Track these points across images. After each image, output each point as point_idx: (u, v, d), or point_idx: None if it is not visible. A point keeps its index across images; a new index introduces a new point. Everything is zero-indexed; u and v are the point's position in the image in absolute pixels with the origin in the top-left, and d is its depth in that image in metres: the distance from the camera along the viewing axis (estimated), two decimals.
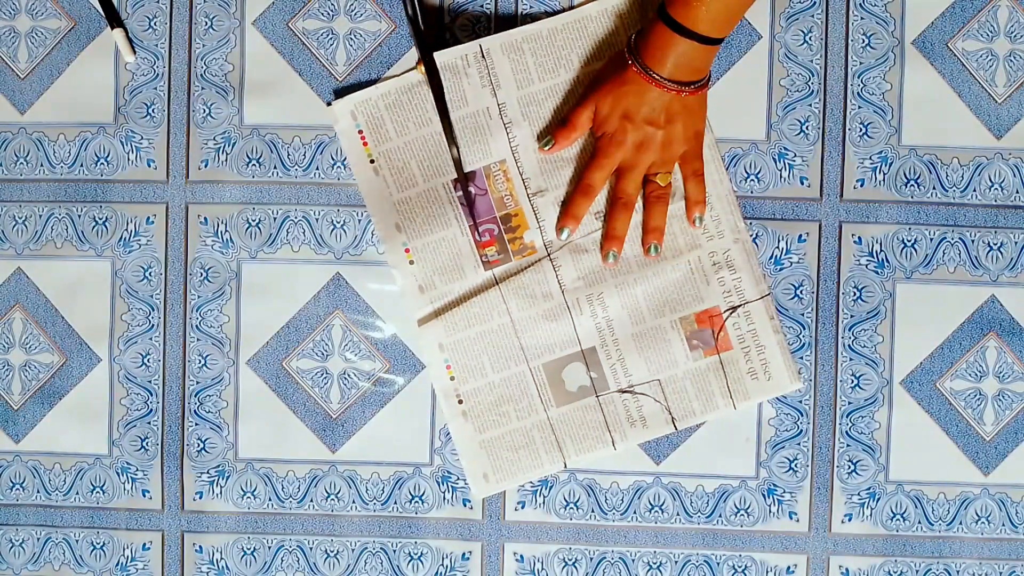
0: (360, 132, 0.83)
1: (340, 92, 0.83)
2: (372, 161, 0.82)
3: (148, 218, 0.84)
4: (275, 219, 0.84)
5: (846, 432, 0.83)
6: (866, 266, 0.83)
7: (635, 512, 0.84)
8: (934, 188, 0.83)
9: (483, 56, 0.81)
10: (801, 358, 0.83)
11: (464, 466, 0.83)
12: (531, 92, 0.81)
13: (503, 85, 0.81)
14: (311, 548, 0.85)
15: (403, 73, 0.83)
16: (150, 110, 0.84)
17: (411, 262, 0.82)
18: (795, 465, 0.83)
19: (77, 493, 0.85)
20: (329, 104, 0.83)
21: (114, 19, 0.84)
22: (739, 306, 0.81)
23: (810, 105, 0.83)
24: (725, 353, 0.81)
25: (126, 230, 0.85)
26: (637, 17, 0.81)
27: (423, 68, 0.80)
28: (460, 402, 0.82)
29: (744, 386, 0.81)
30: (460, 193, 0.81)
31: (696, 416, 0.82)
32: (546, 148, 0.80)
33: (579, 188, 0.79)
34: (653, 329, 0.81)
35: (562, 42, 0.81)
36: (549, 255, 0.81)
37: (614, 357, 0.81)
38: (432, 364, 0.82)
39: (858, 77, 0.82)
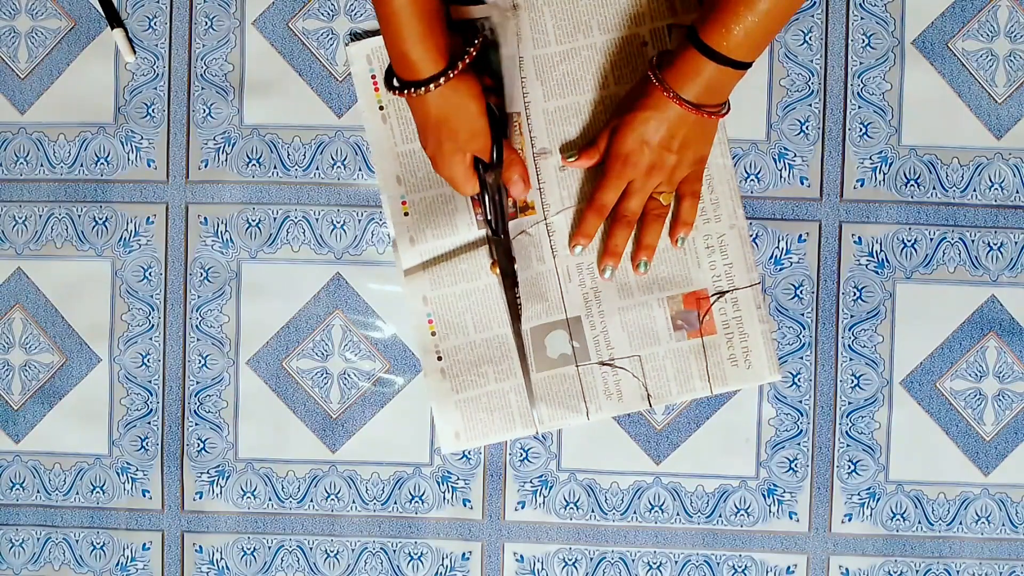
0: (373, 77, 0.83)
1: (358, 36, 0.83)
2: (381, 108, 0.83)
3: (148, 218, 0.84)
4: (275, 219, 0.84)
5: (846, 432, 0.83)
6: (866, 266, 0.83)
7: (635, 512, 0.84)
8: (934, 188, 0.83)
9: (514, 7, 0.81)
10: (801, 358, 0.83)
11: (436, 422, 0.83)
12: (547, 53, 0.81)
13: (523, 39, 0.81)
14: (311, 548, 0.85)
15: None
16: (150, 110, 0.84)
17: (406, 214, 0.82)
18: (795, 465, 0.83)
19: (77, 493, 0.85)
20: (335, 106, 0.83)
21: (114, 19, 0.84)
22: (727, 292, 0.81)
23: (810, 105, 0.83)
24: (708, 337, 0.81)
25: (126, 230, 0.85)
26: None
27: (497, 270, 0.81)
28: (439, 358, 0.82)
29: (723, 371, 0.81)
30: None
31: (672, 396, 0.82)
32: (570, 160, 0.81)
33: (592, 207, 0.79)
34: (640, 305, 0.82)
35: (584, 7, 0.81)
36: (546, 218, 0.82)
37: (598, 328, 0.82)
38: (414, 315, 0.82)
39: (858, 77, 0.82)
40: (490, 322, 0.82)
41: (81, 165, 0.85)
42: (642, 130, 0.76)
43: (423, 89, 0.71)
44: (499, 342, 0.82)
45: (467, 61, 0.72)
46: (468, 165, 0.76)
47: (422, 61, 0.71)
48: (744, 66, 0.73)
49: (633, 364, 0.82)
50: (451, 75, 0.71)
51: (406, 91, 0.72)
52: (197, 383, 0.85)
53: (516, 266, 0.81)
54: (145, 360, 0.85)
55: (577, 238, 0.80)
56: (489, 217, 0.79)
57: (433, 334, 0.82)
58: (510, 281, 0.81)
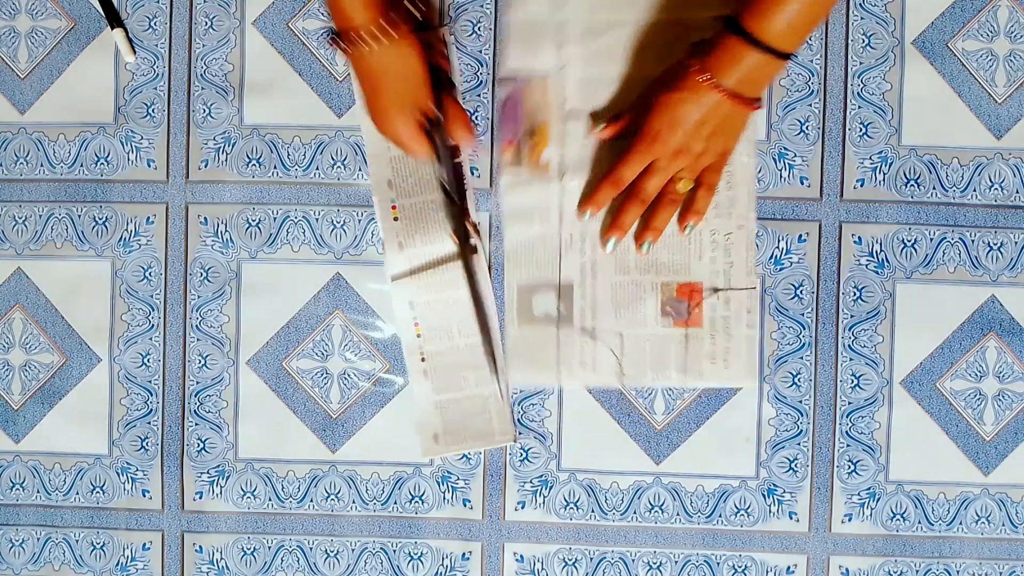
0: None
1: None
2: None
3: (148, 218, 0.84)
4: (275, 219, 0.84)
5: (846, 432, 0.83)
6: (866, 266, 0.83)
7: (635, 512, 0.84)
8: (934, 188, 0.83)
9: None
10: (801, 358, 0.83)
11: (416, 424, 0.83)
12: (597, 20, 0.81)
13: (570, 3, 0.81)
14: (311, 548, 0.85)
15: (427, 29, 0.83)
16: (150, 110, 0.84)
17: (395, 218, 0.82)
18: (795, 465, 0.83)
19: (77, 493, 0.85)
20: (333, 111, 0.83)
21: (114, 19, 0.84)
22: (722, 289, 0.81)
23: (810, 105, 0.83)
24: (693, 329, 0.82)
25: (126, 230, 0.84)
26: None
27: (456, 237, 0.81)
28: (423, 360, 0.82)
29: (700, 367, 0.82)
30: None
31: (645, 380, 0.82)
32: (598, 130, 0.80)
33: (609, 179, 0.79)
34: (633, 284, 0.82)
35: None
36: (560, 180, 0.81)
37: (587, 298, 0.82)
38: (401, 319, 0.83)
39: (858, 77, 0.82)
40: (474, 328, 0.82)
41: (81, 165, 0.85)
42: (676, 111, 0.75)
43: (360, 41, 0.71)
44: (482, 348, 0.82)
45: (404, 20, 0.72)
46: (414, 125, 0.76)
47: (351, 6, 0.70)
48: (785, 56, 0.72)
49: (613, 340, 0.82)
50: (383, 24, 0.71)
51: (343, 44, 0.72)
52: (197, 383, 0.85)
53: (474, 232, 0.81)
54: (145, 360, 0.85)
55: (587, 205, 0.80)
56: (442, 179, 0.79)
57: (418, 336, 0.83)
58: (469, 248, 0.80)
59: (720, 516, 0.83)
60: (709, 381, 0.82)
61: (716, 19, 0.74)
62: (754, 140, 0.81)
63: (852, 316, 0.83)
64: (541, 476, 0.84)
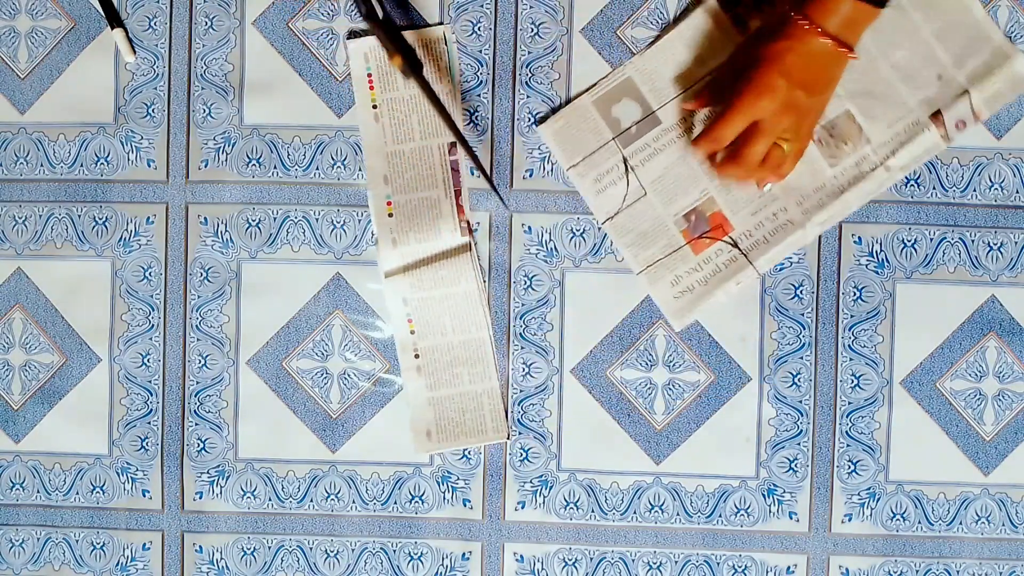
0: (369, 75, 0.83)
1: (356, 34, 0.83)
2: (375, 107, 0.83)
3: (148, 218, 0.84)
4: (275, 219, 0.84)
5: (846, 432, 0.83)
6: (866, 266, 0.83)
7: (635, 512, 0.84)
8: (934, 188, 0.82)
9: None
10: (801, 358, 0.83)
11: (410, 420, 0.83)
12: None
13: None
14: (311, 548, 0.85)
15: (425, 26, 0.83)
16: (150, 110, 0.84)
17: (390, 215, 0.83)
18: (795, 465, 0.83)
19: (77, 493, 0.85)
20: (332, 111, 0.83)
21: (114, 19, 0.84)
22: (738, 247, 0.81)
23: None
24: (688, 248, 0.82)
25: (126, 230, 0.85)
26: None
27: (399, 63, 0.78)
28: (416, 356, 0.82)
29: (659, 277, 0.82)
30: (453, 158, 0.82)
31: (620, 242, 0.82)
32: (690, 102, 0.80)
33: (708, 135, 0.77)
34: (687, 178, 0.82)
35: None
36: (742, 33, 0.81)
37: (657, 143, 0.82)
38: (394, 315, 0.83)
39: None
40: (468, 325, 0.82)
41: (81, 165, 0.85)
42: (784, 60, 0.73)
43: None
44: (476, 345, 0.82)
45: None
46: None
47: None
48: (881, 3, 0.72)
49: (637, 191, 0.82)
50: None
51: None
52: (197, 383, 0.85)
53: (467, 231, 0.82)
54: (145, 360, 0.85)
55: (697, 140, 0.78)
56: (363, 11, 0.77)
57: (412, 332, 0.83)
58: (420, 80, 0.78)
59: (720, 516, 0.83)
60: (653, 292, 0.82)
61: None
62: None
63: (852, 316, 0.83)
64: (541, 476, 0.84)
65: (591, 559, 0.84)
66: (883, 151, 0.81)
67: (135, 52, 0.84)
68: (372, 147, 0.83)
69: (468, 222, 0.83)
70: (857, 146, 0.81)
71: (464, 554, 0.84)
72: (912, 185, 0.82)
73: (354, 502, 0.84)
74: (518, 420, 0.84)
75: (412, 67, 0.76)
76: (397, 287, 0.82)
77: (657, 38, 0.82)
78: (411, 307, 0.83)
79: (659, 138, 0.82)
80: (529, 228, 0.83)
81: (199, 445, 0.85)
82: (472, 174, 0.83)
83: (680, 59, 0.82)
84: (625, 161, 0.82)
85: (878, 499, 0.83)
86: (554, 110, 0.83)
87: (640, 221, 0.82)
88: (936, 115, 0.80)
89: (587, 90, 0.82)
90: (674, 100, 0.82)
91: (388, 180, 0.83)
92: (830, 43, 0.72)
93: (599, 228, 0.83)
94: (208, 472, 0.85)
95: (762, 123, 0.75)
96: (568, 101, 0.83)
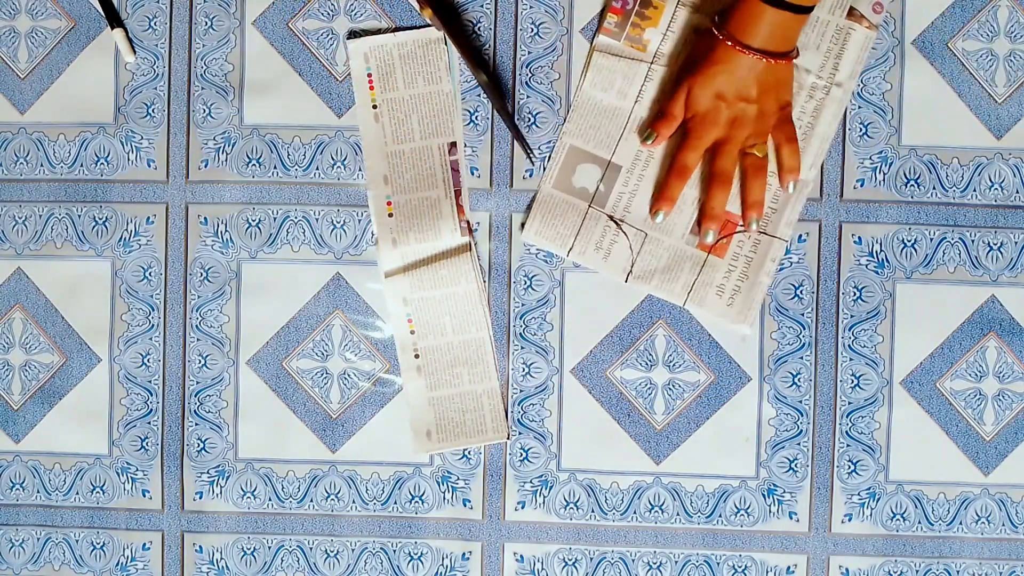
0: (369, 75, 0.83)
1: (356, 34, 0.83)
2: (375, 107, 0.83)
3: (148, 218, 0.84)
4: (275, 219, 0.84)
5: (846, 432, 0.83)
6: (866, 266, 0.83)
7: (635, 512, 0.84)
8: (934, 188, 0.83)
9: None
10: (801, 358, 0.83)
11: (410, 420, 0.83)
12: None
13: None
14: (311, 548, 0.85)
15: (425, 27, 0.83)
16: (150, 110, 0.84)
17: (390, 215, 0.83)
18: (795, 465, 0.83)
19: (77, 493, 0.85)
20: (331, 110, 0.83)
21: (114, 19, 0.84)
22: (756, 231, 0.81)
23: None
24: (713, 256, 0.82)
25: (126, 230, 0.85)
26: None
27: (429, 12, 0.78)
28: (416, 356, 0.82)
29: (704, 294, 0.82)
30: (453, 158, 0.82)
31: (648, 285, 0.82)
32: (648, 142, 0.80)
33: (673, 169, 0.78)
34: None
35: None
36: (651, 64, 0.81)
37: (629, 188, 0.82)
38: (394, 315, 0.83)
39: (858, 77, 0.82)
40: (468, 325, 0.82)
41: (81, 165, 0.85)
42: (713, 84, 0.75)
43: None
44: (476, 345, 0.82)
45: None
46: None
47: None
48: (804, 10, 0.72)
49: (636, 238, 0.82)
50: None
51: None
52: (197, 383, 0.85)
53: (467, 231, 0.82)
54: (145, 360, 0.85)
55: (659, 202, 0.80)
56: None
57: (412, 332, 0.83)
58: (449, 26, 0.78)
59: (720, 516, 0.83)
60: (709, 311, 0.82)
61: None
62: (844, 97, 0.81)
63: (852, 316, 0.83)
64: (541, 476, 0.84)
65: (591, 559, 0.84)
66: (826, 71, 0.81)
67: (135, 52, 0.84)
68: (372, 147, 0.83)
69: (468, 222, 0.83)
70: (801, 81, 0.81)
71: (464, 554, 0.84)
72: (912, 185, 0.82)
73: (354, 502, 0.84)
74: (518, 420, 0.84)
75: (443, 18, 0.77)
76: (397, 287, 0.82)
77: (573, 97, 0.82)
78: (411, 307, 0.83)
79: (628, 181, 0.82)
80: None
81: (199, 445, 0.85)
82: (472, 173, 0.83)
83: (603, 104, 0.82)
84: (611, 218, 0.82)
85: (878, 499, 0.83)
86: (528, 207, 0.82)
87: (657, 260, 0.82)
88: (851, 13, 0.80)
89: (542, 179, 0.82)
90: (621, 141, 0.82)
91: (388, 180, 0.83)
92: (759, 57, 0.73)
93: (626, 284, 0.82)
94: (208, 472, 0.85)
95: (720, 143, 0.77)
96: (534, 198, 0.82)
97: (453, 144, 0.83)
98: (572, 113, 0.82)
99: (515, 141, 0.82)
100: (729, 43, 0.74)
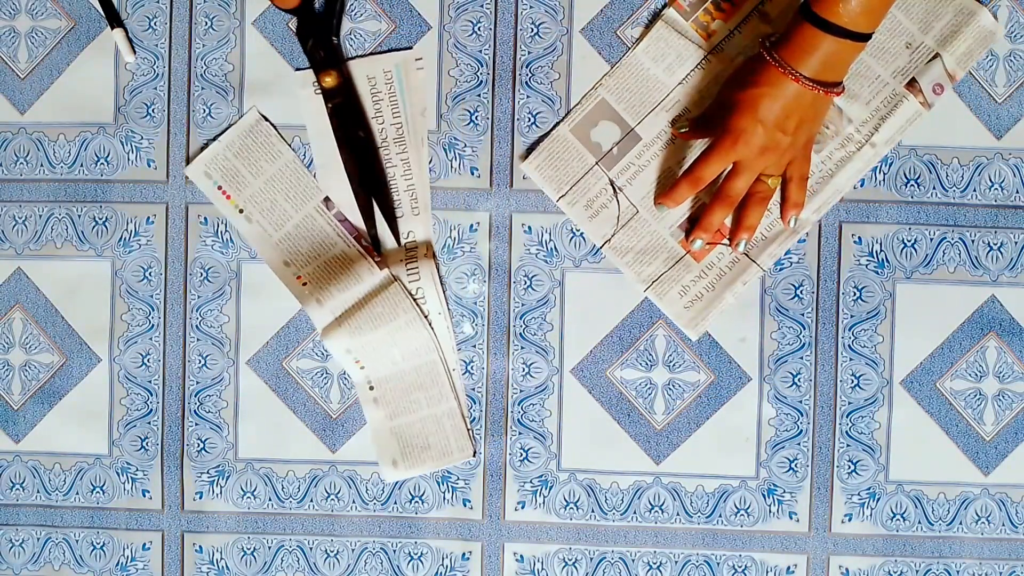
0: (220, 188, 0.83)
1: (191, 159, 0.83)
2: (241, 211, 0.83)
3: (148, 218, 0.84)
4: None
5: (846, 432, 0.83)
6: (866, 266, 0.83)
7: (635, 512, 0.84)
8: (934, 188, 0.83)
9: None
10: (801, 358, 0.83)
11: (375, 451, 0.83)
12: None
13: None
14: (311, 548, 0.85)
15: (239, 120, 0.83)
16: (150, 110, 0.84)
17: (304, 284, 0.82)
18: (795, 465, 0.83)
19: (77, 493, 0.85)
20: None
21: (114, 19, 0.84)
22: (739, 252, 0.81)
23: None
24: (690, 257, 0.82)
25: (126, 230, 0.85)
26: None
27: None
28: (371, 388, 0.82)
29: (667, 290, 0.82)
30: (335, 211, 0.82)
31: (620, 260, 0.82)
32: (682, 131, 0.80)
33: (689, 176, 0.77)
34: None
35: None
36: (708, 54, 0.81)
37: (640, 161, 0.82)
38: (343, 364, 0.83)
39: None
40: (417, 350, 0.82)
41: (81, 165, 0.85)
42: (758, 107, 0.73)
43: None
44: (428, 368, 0.82)
45: None
46: None
47: None
48: (863, 37, 0.71)
49: (627, 211, 0.82)
50: None
51: None
52: (197, 383, 0.85)
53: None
54: (145, 360, 0.85)
55: (664, 199, 0.79)
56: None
57: (362, 368, 0.82)
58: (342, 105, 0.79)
59: (720, 516, 0.83)
60: (664, 307, 0.82)
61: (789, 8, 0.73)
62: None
63: (852, 316, 0.83)
64: (541, 476, 0.84)
65: (591, 559, 0.84)
66: (866, 128, 0.81)
67: (135, 52, 0.84)
68: (261, 245, 0.83)
69: (383, 257, 0.82)
70: (839, 128, 0.81)
71: (464, 554, 0.84)
72: (912, 185, 0.82)
73: (354, 502, 0.84)
74: (518, 420, 0.84)
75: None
76: (338, 340, 0.81)
77: (623, 55, 0.82)
78: (356, 352, 0.82)
79: (641, 155, 0.82)
80: (529, 228, 0.83)
81: (199, 445, 0.85)
82: (472, 173, 0.83)
83: (649, 73, 0.82)
84: (612, 183, 0.82)
85: (878, 499, 0.83)
86: (535, 144, 0.82)
87: (637, 239, 0.82)
88: (911, 84, 0.80)
89: (563, 119, 0.82)
90: (651, 115, 0.82)
91: (289, 262, 0.82)
92: (810, 87, 0.72)
93: (598, 251, 0.82)
94: (208, 472, 0.85)
95: (741, 162, 0.76)
96: (548, 133, 0.82)
97: (326, 199, 0.82)
98: (616, 69, 0.82)
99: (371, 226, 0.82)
100: (781, 69, 0.72)
